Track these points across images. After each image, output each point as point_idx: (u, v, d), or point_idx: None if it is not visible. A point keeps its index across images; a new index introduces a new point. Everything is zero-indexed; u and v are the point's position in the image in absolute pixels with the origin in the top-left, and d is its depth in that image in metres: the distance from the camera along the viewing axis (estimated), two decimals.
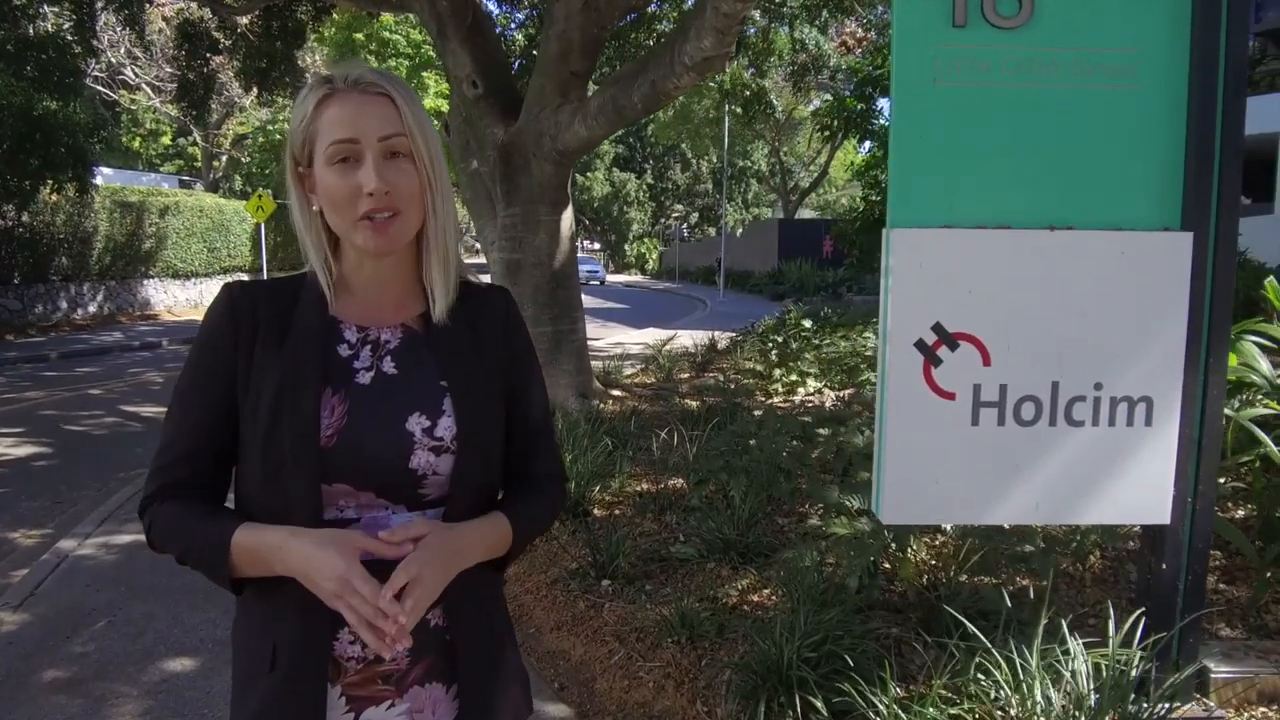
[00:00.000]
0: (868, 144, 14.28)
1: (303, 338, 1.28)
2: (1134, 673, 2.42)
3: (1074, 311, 2.50)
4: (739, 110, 18.26)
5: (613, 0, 7.58)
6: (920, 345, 2.50)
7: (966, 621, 2.68)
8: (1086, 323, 2.50)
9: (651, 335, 16.75)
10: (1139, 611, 2.54)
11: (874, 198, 13.38)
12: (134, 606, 4.26)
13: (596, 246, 59.60)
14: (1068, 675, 2.41)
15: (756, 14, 12.95)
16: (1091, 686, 2.39)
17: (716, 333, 13.53)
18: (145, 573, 4.67)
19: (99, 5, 12.17)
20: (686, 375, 10.54)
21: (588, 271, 44.99)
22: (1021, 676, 2.45)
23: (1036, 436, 2.53)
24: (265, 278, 1.34)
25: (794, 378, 8.64)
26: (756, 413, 7.37)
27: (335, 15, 17.92)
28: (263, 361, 1.26)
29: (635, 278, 55.43)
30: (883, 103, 13.66)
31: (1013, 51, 2.45)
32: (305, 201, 1.31)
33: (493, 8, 17.01)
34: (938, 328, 2.49)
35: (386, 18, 26.30)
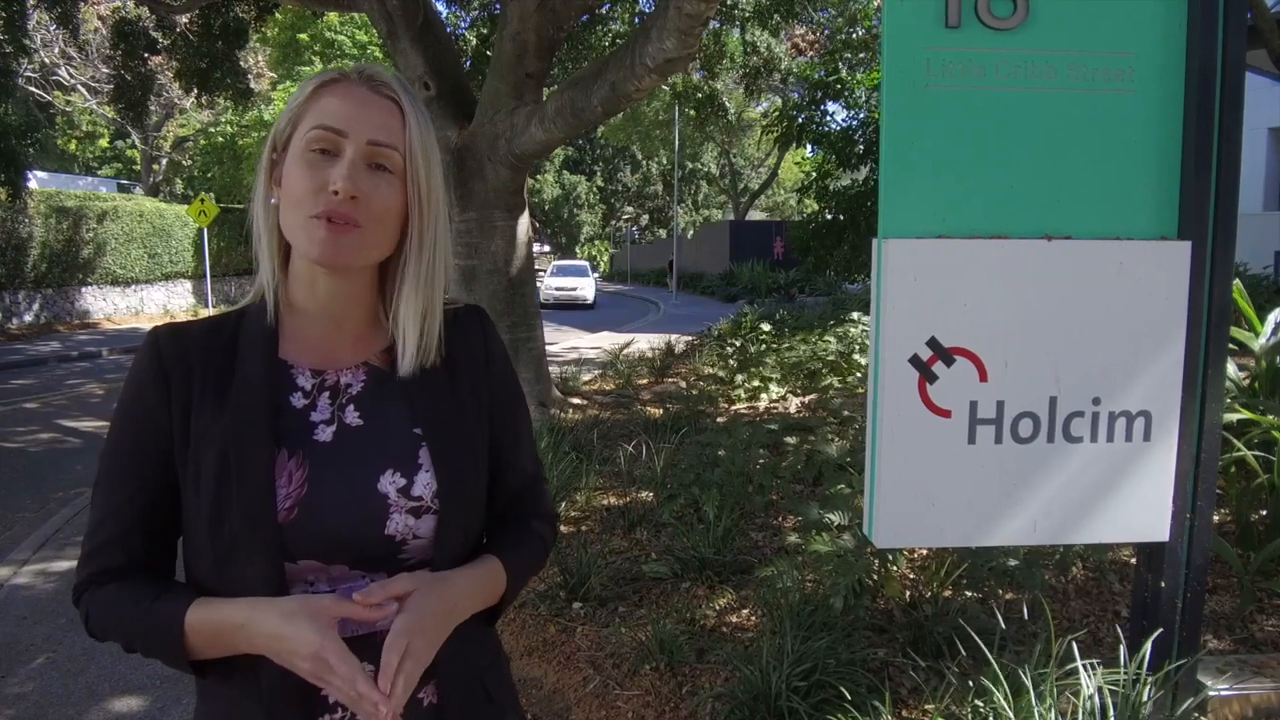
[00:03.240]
0: (812, 148, 14.20)
1: (247, 389, 1.08)
2: (1149, 706, 2.33)
3: (1071, 323, 2.41)
4: (692, 112, 18.19)
5: (569, 1, 7.43)
6: (915, 361, 2.38)
7: (961, 646, 2.58)
8: (1084, 335, 2.41)
9: (606, 339, 16.59)
10: (1155, 634, 2.45)
11: (827, 205, 13.38)
12: (75, 640, 4.00)
13: (547, 249, 59.03)
14: (1084, 707, 2.31)
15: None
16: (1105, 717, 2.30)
17: (673, 336, 13.43)
18: None
19: (30, 3, 11.73)
20: (645, 381, 10.40)
21: (560, 291, 29.81)
22: (1034, 705, 2.36)
23: (1035, 454, 2.44)
24: (199, 317, 1.15)
25: (756, 383, 8.53)
26: (720, 420, 7.26)
27: (278, 15, 17.53)
28: (202, 422, 1.07)
29: None
30: (833, 106, 13.65)
31: (1007, 54, 2.35)
32: (268, 193, 1.12)
33: (441, 8, 16.74)
34: (933, 343, 2.38)
35: (332, 17, 25.84)
